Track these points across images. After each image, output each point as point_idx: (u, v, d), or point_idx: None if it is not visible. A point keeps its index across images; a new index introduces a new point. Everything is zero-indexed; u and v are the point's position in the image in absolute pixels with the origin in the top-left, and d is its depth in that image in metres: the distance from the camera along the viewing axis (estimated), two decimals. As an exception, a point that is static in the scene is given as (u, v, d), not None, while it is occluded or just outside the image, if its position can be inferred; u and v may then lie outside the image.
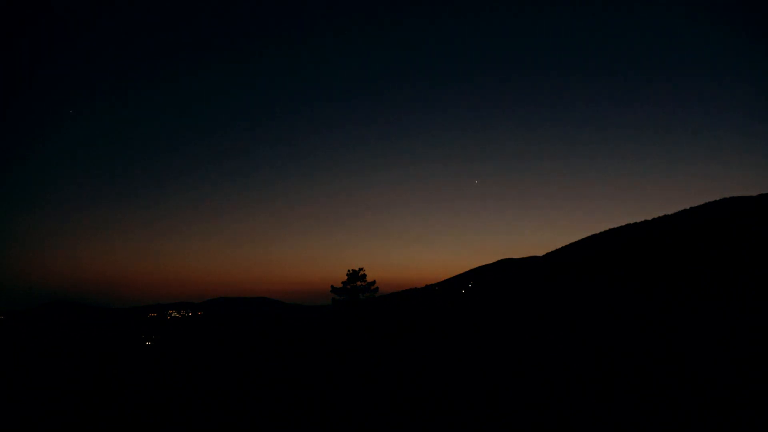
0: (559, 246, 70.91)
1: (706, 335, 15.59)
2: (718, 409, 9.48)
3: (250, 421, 12.56)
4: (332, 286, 39.51)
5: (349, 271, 38.44)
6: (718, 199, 60.15)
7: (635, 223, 63.60)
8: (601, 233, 65.39)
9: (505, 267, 78.32)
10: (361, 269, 38.45)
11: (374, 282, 39.35)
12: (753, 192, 58.64)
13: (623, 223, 66.28)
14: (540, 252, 79.90)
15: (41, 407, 16.23)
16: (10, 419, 14.85)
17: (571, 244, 67.56)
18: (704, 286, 24.30)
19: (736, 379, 10.92)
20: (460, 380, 14.11)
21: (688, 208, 59.44)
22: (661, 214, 62.11)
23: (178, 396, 16.39)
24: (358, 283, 36.83)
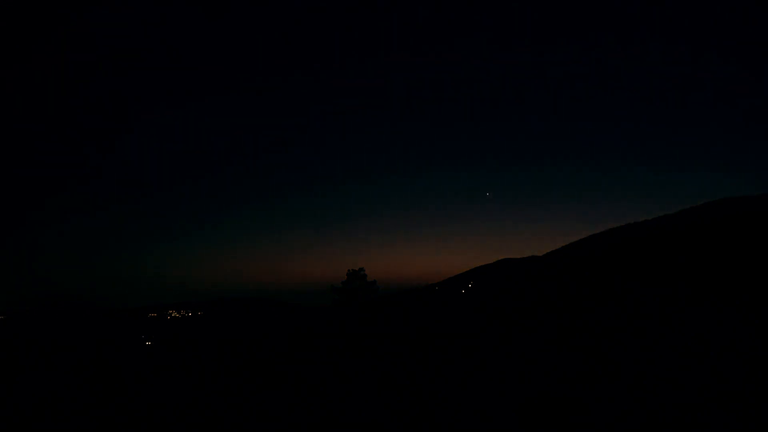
0: (559, 246, 70.73)
1: (706, 336, 15.57)
2: (718, 411, 9.47)
3: (251, 423, 12.56)
4: (332, 287, 39.46)
5: (349, 271, 38.41)
6: (718, 199, 60.10)
7: (635, 223, 63.50)
8: (601, 233, 65.32)
9: (505, 267, 78.29)
10: (361, 269, 38.42)
11: (374, 282, 39.30)
12: (753, 192, 58.52)
13: (623, 223, 66.16)
14: (540, 252, 79.63)
15: (41, 407, 16.22)
16: (10, 419, 14.84)
17: (572, 244, 67.44)
18: (705, 286, 24.28)
19: (736, 383, 10.90)
20: (461, 382, 14.10)
21: (688, 207, 59.41)
22: (661, 214, 62.05)
23: (178, 396, 16.38)
24: (359, 283, 36.78)
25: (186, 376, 21.24)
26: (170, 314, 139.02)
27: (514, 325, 24.43)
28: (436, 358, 18.25)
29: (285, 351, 27.06)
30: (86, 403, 16.35)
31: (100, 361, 31.25)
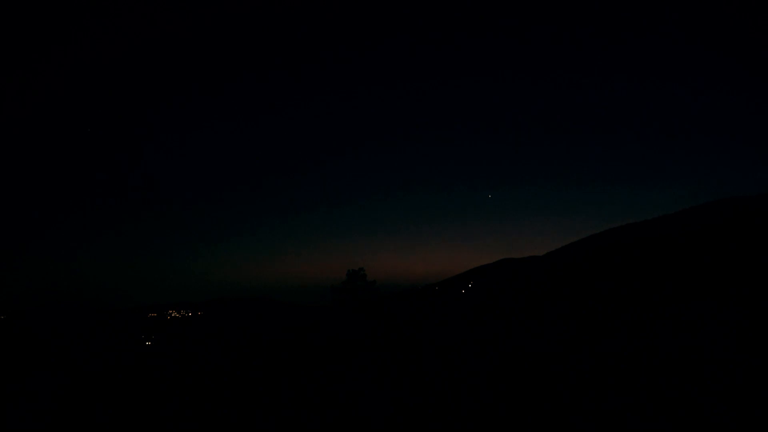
0: (559, 246, 70.78)
1: (706, 336, 15.58)
2: (718, 411, 9.47)
3: (251, 423, 12.56)
4: (332, 287, 39.41)
5: (349, 271, 38.35)
6: (718, 199, 60.13)
7: (635, 223, 63.49)
8: (601, 233, 65.31)
9: (505, 267, 78.32)
10: (361, 269, 38.37)
11: (374, 282, 39.24)
12: (753, 192, 58.61)
13: (623, 223, 66.16)
14: (540, 252, 79.66)
15: (41, 407, 16.22)
16: (10, 420, 14.85)
17: (572, 244, 67.43)
18: (705, 287, 24.27)
19: (736, 382, 10.90)
20: (462, 382, 14.10)
21: (687, 208, 59.42)
22: (661, 214, 62.05)
23: (178, 396, 16.38)
24: (359, 283, 36.74)
25: (186, 376, 21.23)
26: (170, 314, 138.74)
27: (514, 324, 24.43)
28: (437, 358, 18.26)
29: (285, 351, 27.07)
30: (86, 403, 16.34)
31: (100, 361, 31.25)
